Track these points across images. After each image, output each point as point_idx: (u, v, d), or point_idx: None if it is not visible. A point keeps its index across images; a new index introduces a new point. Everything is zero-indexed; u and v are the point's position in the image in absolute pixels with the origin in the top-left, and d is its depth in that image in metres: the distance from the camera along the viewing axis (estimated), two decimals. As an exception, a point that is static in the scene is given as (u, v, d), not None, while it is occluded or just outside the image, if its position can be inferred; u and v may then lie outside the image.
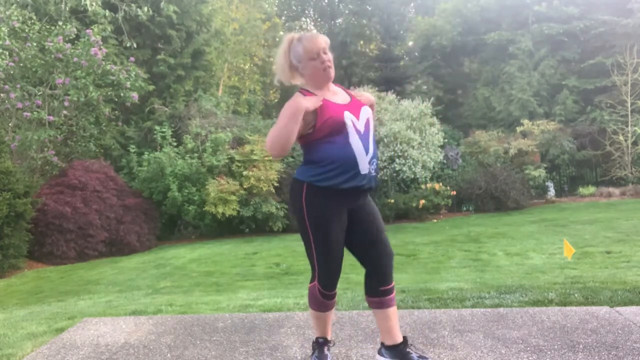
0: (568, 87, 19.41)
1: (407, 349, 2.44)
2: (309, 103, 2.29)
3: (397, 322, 2.48)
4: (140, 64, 14.15)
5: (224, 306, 4.08)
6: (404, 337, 2.47)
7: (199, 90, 15.60)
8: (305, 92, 2.37)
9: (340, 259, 2.44)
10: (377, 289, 2.44)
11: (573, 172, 17.77)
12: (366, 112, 2.41)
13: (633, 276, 4.54)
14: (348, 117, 2.34)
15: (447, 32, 23.28)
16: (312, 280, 2.50)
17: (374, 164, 2.37)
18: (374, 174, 2.38)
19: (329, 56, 2.37)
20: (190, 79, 15.66)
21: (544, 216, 11.94)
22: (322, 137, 2.30)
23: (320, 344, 2.59)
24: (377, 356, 2.55)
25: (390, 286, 2.44)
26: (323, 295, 2.47)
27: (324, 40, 2.38)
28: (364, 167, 2.33)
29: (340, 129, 2.31)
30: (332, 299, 2.51)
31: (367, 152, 2.33)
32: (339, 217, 2.38)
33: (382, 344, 2.49)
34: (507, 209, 14.19)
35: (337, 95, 2.44)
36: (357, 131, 2.34)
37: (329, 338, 2.61)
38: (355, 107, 2.40)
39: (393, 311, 2.47)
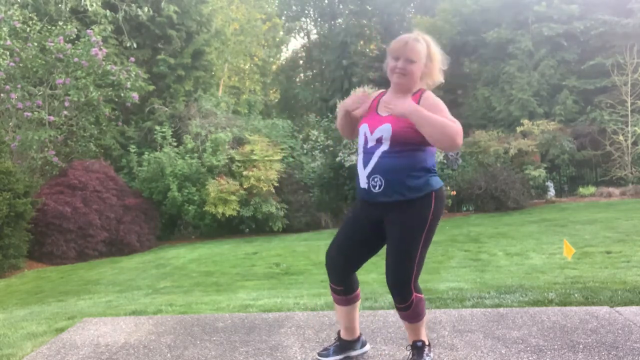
0: (568, 87, 19.39)
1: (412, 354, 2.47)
2: (348, 101, 2.44)
3: (413, 332, 2.47)
4: (140, 64, 14.15)
5: (224, 306, 4.08)
6: (418, 343, 2.47)
7: (199, 90, 15.59)
8: (379, 92, 2.46)
9: (336, 249, 2.45)
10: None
11: (573, 172, 17.75)
12: (383, 130, 2.29)
13: (633, 276, 4.54)
14: (363, 129, 2.38)
15: (446, 32, 23.23)
16: None
17: (377, 180, 2.29)
18: (374, 191, 2.30)
19: (401, 64, 2.26)
20: (190, 79, 15.65)
21: (544, 216, 11.92)
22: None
23: (335, 339, 2.65)
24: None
25: (398, 305, 2.39)
26: (330, 285, 2.53)
27: (401, 45, 2.27)
28: (363, 181, 2.35)
29: (360, 138, 2.40)
30: (337, 295, 2.51)
31: (364, 167, 2.34)
32: (361, 215, 2.43)
33: None
34: (507, 209, 14.17)
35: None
36: (365, 144, 2.36)
37: (341, 335, 2.62)
38: (377, 121, 2.33)
39: (407, 325, 2.48)
